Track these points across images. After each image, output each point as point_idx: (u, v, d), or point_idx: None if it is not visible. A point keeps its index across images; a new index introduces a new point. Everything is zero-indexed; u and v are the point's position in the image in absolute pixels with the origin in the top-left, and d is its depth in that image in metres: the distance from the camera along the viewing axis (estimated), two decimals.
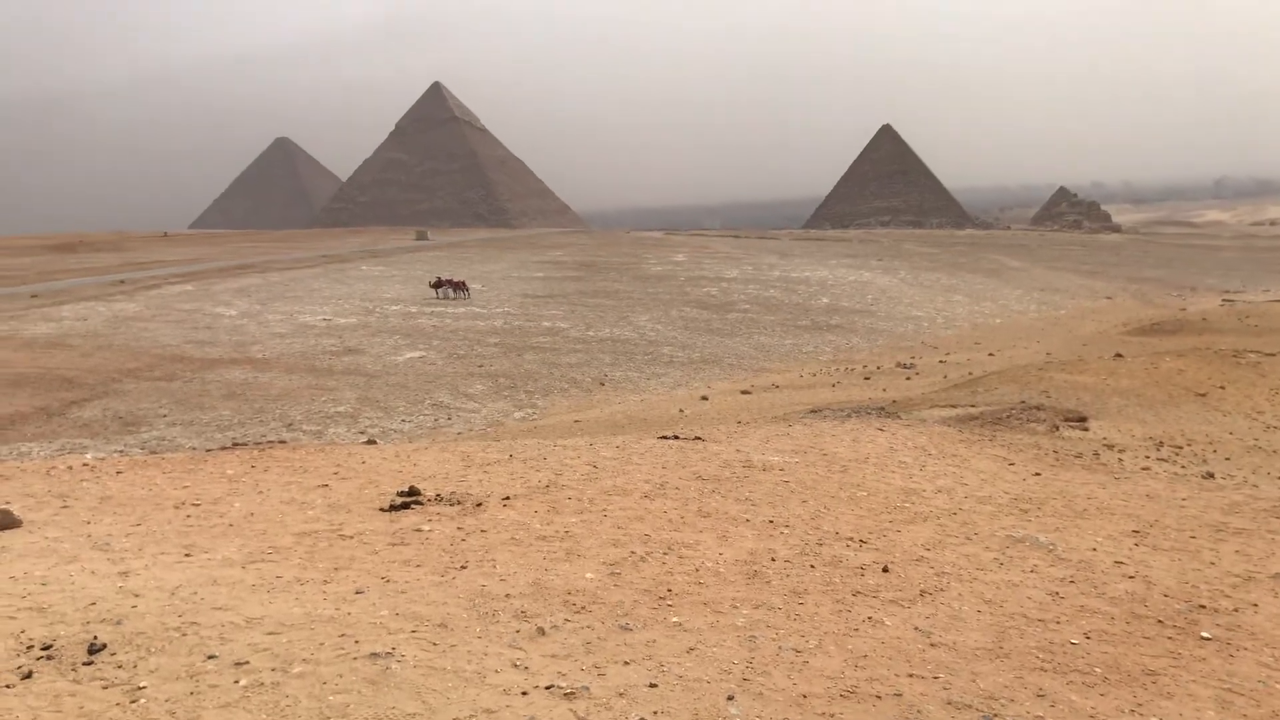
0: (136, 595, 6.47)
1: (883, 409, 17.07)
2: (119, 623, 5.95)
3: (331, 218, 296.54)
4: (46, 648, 5.59)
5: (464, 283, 51.68)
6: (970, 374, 27.86)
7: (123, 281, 54.91)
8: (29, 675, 5.27)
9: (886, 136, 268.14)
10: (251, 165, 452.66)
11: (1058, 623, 6.84)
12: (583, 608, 6.62)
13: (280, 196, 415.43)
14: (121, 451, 19.06)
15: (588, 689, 5.39)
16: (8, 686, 5.13)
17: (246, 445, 13.33)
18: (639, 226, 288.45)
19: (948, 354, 36.09)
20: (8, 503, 8.89)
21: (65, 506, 9.01)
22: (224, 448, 13.31)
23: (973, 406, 17.18)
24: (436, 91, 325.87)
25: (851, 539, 8.55)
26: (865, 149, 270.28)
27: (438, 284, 51.27)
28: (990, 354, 34.79)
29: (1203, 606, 7.31)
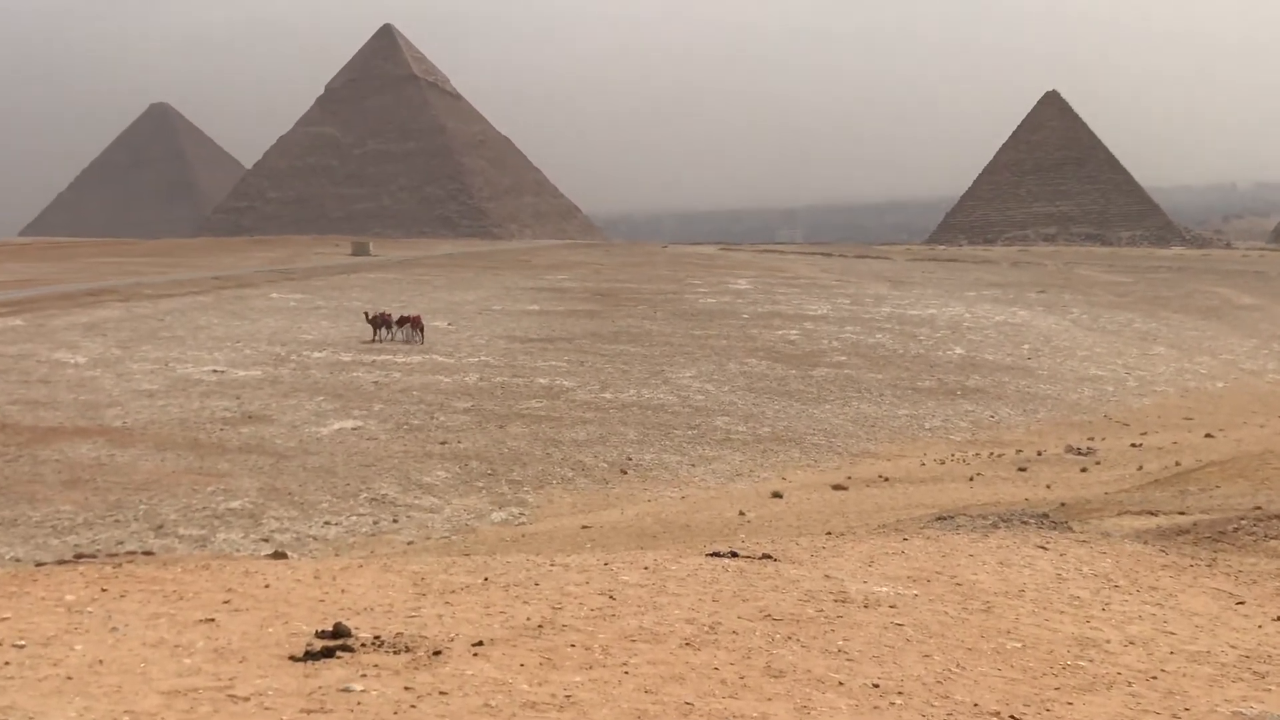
0: None
1: (1046, 516, 16.90)
2: None
3: (229, 221, 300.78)
4: None
5: (419, 319, 52.00)
6: (1178, 464, 27.57)
7: None
8: None
9: (1051, 109, 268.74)
10: (114, 144, 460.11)
11: None
12: None
13: (155, 189, 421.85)
14: None
15: None
16: None
17: (95, 558, 13.39)
18: (682, 238, 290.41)
19: (1143, 434, 35.80)
20: None
21: None
22: (62, 561, 13.36)
23: (1181, 514, 16.96)
24: (387, 38, 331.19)
25: (997, 714, 8.43)
26: (1019, 128, 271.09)
27: (379, 321, 51.54)
28: (1208, 435, 34.45)
29: None
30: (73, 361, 42.19)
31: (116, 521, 22.62)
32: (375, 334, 50.78)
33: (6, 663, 8.66)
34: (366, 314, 52.59)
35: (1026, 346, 57.30)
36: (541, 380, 41.65)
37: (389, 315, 52.19)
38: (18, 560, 19.27)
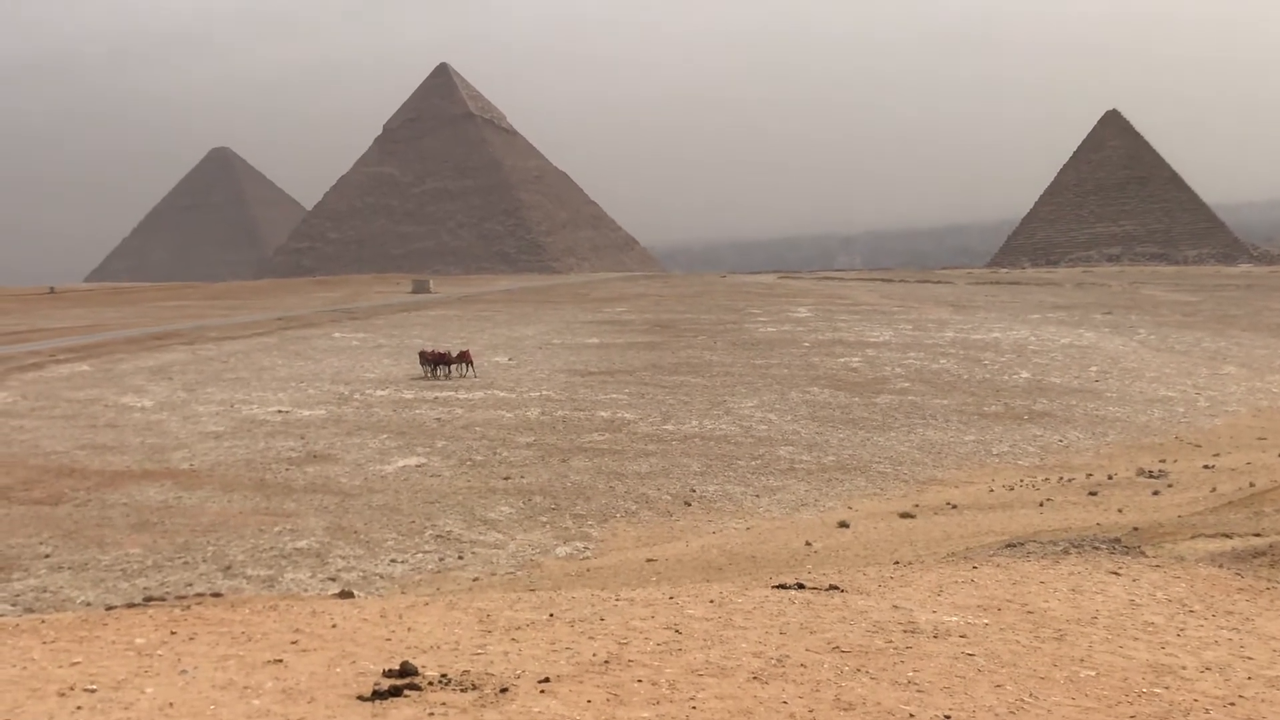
0: None
1: (1118, 541, 16.70)
2: None
3: (291, 262, 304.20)
4: None
5: (468, 354, 52.18)
6: (1252, 485, 27.15)
7: None
8: None
9: (1112, 128, 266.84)
10: (176, 189, 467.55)
11: None
12: None
13: (217, 233, 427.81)
14: None
15: None
16: None
17: (165, 601, 13.51)
18: (740, 268, 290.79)
19: (1216, 455, 35.28)
20: None
21: None
22: (132, 605, 13.49)
23: (1257, 536, 16.70)
24: (444, 76, 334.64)
25: None
26: (1080, 148, 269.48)
27: (433, 359, 51.61)
28: None
29: None
30: (139, 405, 42.73)
31: (185, 563, 22.83)
32: (433, 372, 51.03)
33: (79, 707, 8.75)
34: (432, 351, 52.90)
35: (1094, 369, 56.71)
36: (603, 413, 41.69)
37: (448, 352, 52.52)
38: (88, 604, 19.49)
